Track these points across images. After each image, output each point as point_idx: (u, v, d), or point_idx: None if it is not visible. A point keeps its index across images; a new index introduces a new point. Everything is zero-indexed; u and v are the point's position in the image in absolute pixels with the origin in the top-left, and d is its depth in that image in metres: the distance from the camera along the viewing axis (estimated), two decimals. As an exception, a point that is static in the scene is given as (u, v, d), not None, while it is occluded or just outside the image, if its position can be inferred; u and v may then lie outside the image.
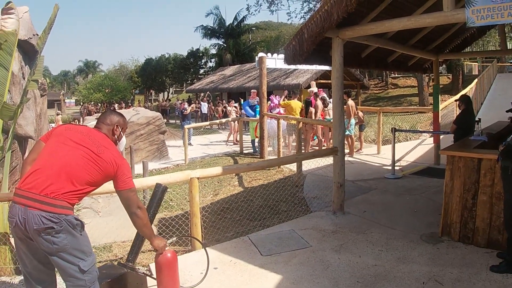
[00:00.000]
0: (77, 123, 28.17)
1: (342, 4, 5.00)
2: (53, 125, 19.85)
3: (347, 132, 11.64)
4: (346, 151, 11.69)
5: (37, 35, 7.89)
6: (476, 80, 19.34)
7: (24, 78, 7.86)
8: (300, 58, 5.84)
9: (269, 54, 12.66)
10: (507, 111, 4.76)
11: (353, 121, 11.69)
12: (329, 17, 5.19)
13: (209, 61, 53.25)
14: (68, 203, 2.77)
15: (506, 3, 4.47)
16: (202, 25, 44.67)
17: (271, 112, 12.64)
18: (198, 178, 4.92)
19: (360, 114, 12.31)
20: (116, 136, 3.21)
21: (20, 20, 7.00)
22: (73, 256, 2.77)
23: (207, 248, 4.60)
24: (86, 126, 3.25)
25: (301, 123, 9.71)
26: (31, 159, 2.96)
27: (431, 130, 11.94)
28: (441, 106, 11.57)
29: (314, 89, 14.11)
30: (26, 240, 2.76)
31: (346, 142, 11.82)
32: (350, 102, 11.70)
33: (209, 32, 44.90)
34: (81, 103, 52.06)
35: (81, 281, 2.82)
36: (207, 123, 20.21)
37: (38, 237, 2.68)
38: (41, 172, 2.78)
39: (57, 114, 24.46)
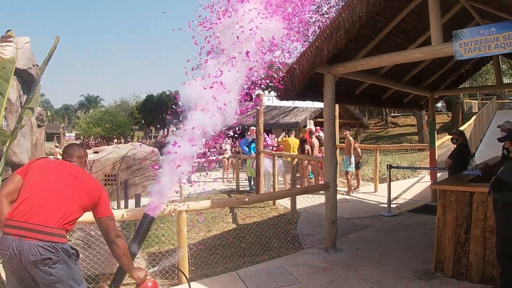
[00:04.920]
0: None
1: (332, 40, 5.10)
2: (51, 157, 19.84)
3: (348, 169, 11.62)
4: (345, 189, 11.67)
5: (37, 65, 7.98)
6: (474, 117, 19.42)
7: (21, 107, 7.90)
8: (292, 93, 5.89)
9: (266, 92, 12.78)
10: (498, 139, 4.74)
11: (352, 157, 11.67)
12: (320, 53, 5.28)
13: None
14: (64, 230, 2.77)
15: (493, 35, 4.57)
16: (201, 63, 45.26)
17: (264, 152, 12.65)
18: (186, 211, 4.86)
19: (358, 150, 12.29)
20: (86, 168, 3.30)
21: (21, 50, 7.10)
22: (68, 286, 2.74)
23: (194, 282, 4.50)
24: (60, 159, 3.28)
25: (296, 159, 9.69)
26: (7, 192, 2.88)
27: (427, 167, 11.91)
28: (438, 142, 11.58)
29: (312, 127, 14.18)
30: (19, 272, 2.69)
31: (346, 179, 11.80)
32: (350, 138, 11.75)
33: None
34: (81, 137, 52.27)
35: None
36: (203, 159, 20.11)
37: (35, 269, 2.62)
38: (32, 202, 2.75)
39: (56, 147, 24.51)
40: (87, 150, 18.26)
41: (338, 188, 9.23)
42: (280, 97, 6.07)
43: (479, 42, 4.72)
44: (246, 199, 5.76)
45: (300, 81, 5.64)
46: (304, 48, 5.75)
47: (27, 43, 8.38)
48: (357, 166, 12.23)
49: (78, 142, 54.37)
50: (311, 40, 5.77)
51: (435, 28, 5.02)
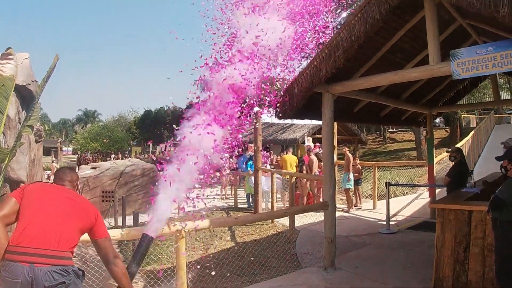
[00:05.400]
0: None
1: (331, 60, 5.13)
2: (48, 172, 19.75)
3: (347, 186, 11.61)
4: (343, 206, 11.63)
5: (36, 81, 8.01)
6: (472, 132, 19.45)
7: (20, 123, 7.91)
8: (291, 112, 5.92)
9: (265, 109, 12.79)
10: (496, 158, 4.75)
11: (351, 174, 11.65)
12: (318, 73, 5.31)
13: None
14: (71, 253, 2.78)
15: (490, 54, 4.61)
16: (201, 78, 45.44)
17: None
18: (184, 231, 4.81)
19: (359, 167, 12.26)
20: (78, 191, 3.30)
21: (20, 66, 7.14)
22: None
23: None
24: (54, 183, 3.25)
25: (294, 177, 9.68)
26: (2, 215, 2.79)
27: (425, 184, 11.90)
28: (436, 159, 11.60)
29: (310, 144, 14.17)
30: None
31: (346, 196, 11.78)
32: (349, 155, 11.76)
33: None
34: (78, 152, 52.15)
35: None
36: (202, 176, 20.03)
37: None
38: (37, 227, 2.72)
39: (52, 162, 24.47)
40: (85, 166, 18.13)
41: (337, 205, 9.25)
42: (279, 116, 6.09)
43: (476, 61, 4.76)
44: (244, 219, 5.72)
45: (298, 101, 5.66)
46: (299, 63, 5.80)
47: (27, 59, 8.41)
48: (358, 182, 12.18)
49: (75, 156, 54.27)
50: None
51: (433, 48, 5.06)
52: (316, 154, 12.32)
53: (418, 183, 15.54)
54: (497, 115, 31.08)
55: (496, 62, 4.64)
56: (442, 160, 13.95)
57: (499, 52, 4.62)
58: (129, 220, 10.15)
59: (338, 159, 12.75)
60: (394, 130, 37.89)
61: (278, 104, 5.65)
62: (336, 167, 11.45)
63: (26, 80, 8.13)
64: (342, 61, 5.14)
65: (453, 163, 7.78)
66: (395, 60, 6.71)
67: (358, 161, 12.57)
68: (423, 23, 5.27)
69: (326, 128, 6.05)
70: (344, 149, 12.37)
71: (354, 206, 11.74)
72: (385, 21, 5.12)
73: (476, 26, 6.23)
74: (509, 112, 33.83)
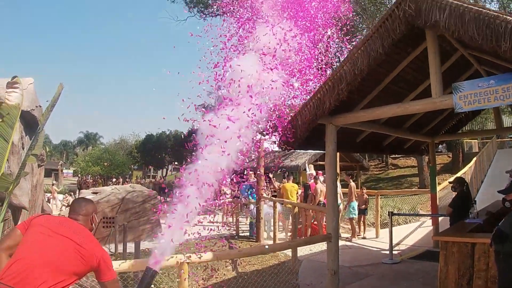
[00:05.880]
0: (73, 195, 28.03)
1: (334, 93, 5.18)
2: (48, 195, 19.69)
3: (351, 215, 11.53)
4: (347, 234, 11.55)
5: (40, 106, 8.05)
6: (475, 158, 19.44)
7: (23, 148, 7.92)
8: (294, 143, 5.93)
9: (267, 136, 12.80)
10: (499, 191, 4.72)
11: (354, 203, 11.59)
12: (322, 105, 5.35)
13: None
14: None
15: (492, 87, 4.65)
16: (203, 104, 45.77)
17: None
18: (187, 263, 4.78)
19: (366, 196, 12.18)
20: (93, 224, 3.19)
21: (25, 92, 7.18)
22: None
23: None
24: (65, 216, 3.19)
25: (297, 207, 9.63)
26: (7, 246, 2.83)
27: (429, 213, 11.83)
28: (439, 187, 11.56)
29: (312, 171, 14.13)
30: None
31: (350, 224, 11.69)
32: (351, 184, 11.71)
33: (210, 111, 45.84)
34: (79, 175, 52.09)
35: None
36: (203, 203, 19.92)
37: None
38: (24, 264, 2.67)
39: (52, 185, 24.45)
40: (86, 190, 17.93)
41: (341, 234, 9.16)
42: (282, 147, 6.10)
43: (478, 94, 4.80)
44: (248, 252, 5.68)
45: (302, 132, 5.70)
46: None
47: (31, 84, 8.47)
48: (364, 212, 12.07)
49: (76, 179, 54.13)
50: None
51: (435, 81, 5.11)
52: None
53: (420, 210, 15.47)
54: (499, 139, 31.02)
55: (498, 95, 4.68)
56: (445, 188, 13.89)
57: (501, 85, 4.66)
58: (130, 247, 10.07)
59: (342, 186, 12.69)
60: (396, 156, 37.83)
61: (281, 135, 5.68)
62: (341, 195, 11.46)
63: (31, 106, 8.18)
64: (345, 94, 5.19)
65: (456, 193, 7.77)
66: (397, 90, 6.76)
67: (365, 191, 12.48)
68: (425, 54, 5.34)
69: (329, 160, 6.06)
70: (347, 178, 12.31)
71: (358, 236, 11.64)
72: (387, 54, 5.19)
73: (478, 56, 6.30)
74: (511, 136, 33.81)
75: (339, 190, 11.61)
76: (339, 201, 11.67)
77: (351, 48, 5.73)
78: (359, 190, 12.54)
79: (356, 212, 11.62)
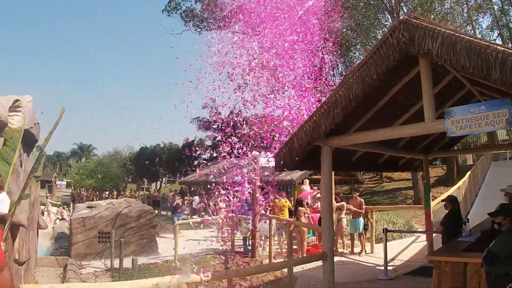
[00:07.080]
0: (67, 208, 27.85)
1: (330, 116, 5.31)
2: (42, 207, 19.60)
3: (361, 230, 11.57)
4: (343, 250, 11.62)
5: (38, 123, 8.12)
6: (469, 172, 19.48)
7: (21, 166, 7.97)
8: (290, 165, 6.04)
9: (262, 153, 12.90)
10: (489, 214, 4.83)
11: (361, 219, 11.62)
12: (318, 128, 5.48)
13: (203, 153, 53.91)
14: None
15: (483, 113, 4.81)
16: (198, 117, 45.80)
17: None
18: (186, 284, 4.87)
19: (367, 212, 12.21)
20: None
21: (23, 110, 7.27)
22: None
23: None
24: None
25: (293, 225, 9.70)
26: None
27: (423, 230, 11.91)
28: (433, 202, 11.65)
29: (307, 187, 14.20)
30: None
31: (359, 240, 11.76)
32: (360, 199, 11.79)
33: (205, 125, 45.83)
34: (72, 187, 51.83)
35: None
36: (199, 219, 19.86)
37: None
38: None
39: (47, 197, 24.43)
40: (81, 204, 17.76)
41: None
42: (278, 168, 6.21)
43: (470, 120, 4.95)
44: (245, 272, 5.76)
45: (298, 154, 5.82)
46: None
47: (30, 102, 8.55)
48: (366, 228, 11.92)
49: (69, 190, 53.64)
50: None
51: (428, 106, 5.25)
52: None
53: (415, 224, 15.51)
54: (493, 152, 31.08)
55: (488, 121, 4.84)
56: (439, 203, 13.98)
57: (491, 111, 4.82)
58: (126, 262, 10.09)
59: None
60: (390, 169, 37.93)
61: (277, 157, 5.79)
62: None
63: (29, 124, 8.25)
64: (340, 117, 5.33)
65: (448, 210, 7.90)
66: (391, 111, 6.90)
67: (364, 206, 12.47)
68: (418, 77, 5.48)
69: (325, 180, 6.18)
70: (354, 194, 12.28)
71: (359, 253, 11.65)
72: (382, 79, 5.33)
73: (470, 78, 6.45)
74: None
75: (345, 204, 11.76)
76: (343, 215, 11.78)
77: (347, 72, 5.90)
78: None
79: (362, 227, 11.58)
